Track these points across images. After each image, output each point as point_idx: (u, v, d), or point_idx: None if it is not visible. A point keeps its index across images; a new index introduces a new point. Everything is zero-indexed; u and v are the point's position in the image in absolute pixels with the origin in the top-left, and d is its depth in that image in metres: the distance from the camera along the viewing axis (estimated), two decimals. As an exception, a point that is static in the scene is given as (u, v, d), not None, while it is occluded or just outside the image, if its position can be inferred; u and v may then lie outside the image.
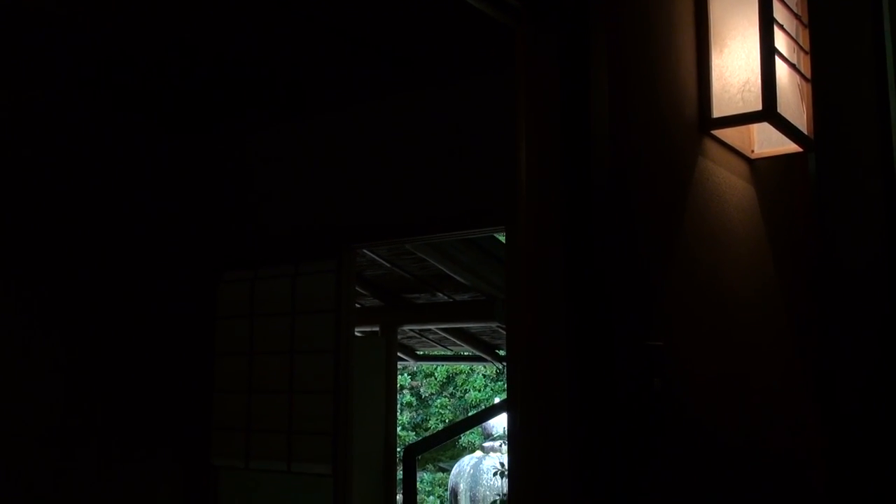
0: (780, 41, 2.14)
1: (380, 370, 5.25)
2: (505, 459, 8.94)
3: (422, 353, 7.93)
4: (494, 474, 9.04)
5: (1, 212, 3.28)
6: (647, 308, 1.81)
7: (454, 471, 9.87)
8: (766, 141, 2.35)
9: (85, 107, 3.59)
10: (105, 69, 3.46)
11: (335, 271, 3.53)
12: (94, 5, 2.90)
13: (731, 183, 2.23)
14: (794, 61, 2.26)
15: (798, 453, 2.54)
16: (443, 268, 4.89)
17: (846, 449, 2.55)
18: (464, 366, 13.91)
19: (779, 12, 2.12)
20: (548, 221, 1.68)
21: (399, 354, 6.53)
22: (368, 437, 5.03)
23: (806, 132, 2.28)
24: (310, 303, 3.59)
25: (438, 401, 14.58)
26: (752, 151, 2.36)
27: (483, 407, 12.85)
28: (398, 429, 6.52)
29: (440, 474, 13.82)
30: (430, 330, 6.75)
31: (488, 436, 10.33)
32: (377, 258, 4.98)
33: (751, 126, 2.30)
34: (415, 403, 14.76)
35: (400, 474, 5.28)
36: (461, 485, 9.41)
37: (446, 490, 11.08)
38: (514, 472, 2.72)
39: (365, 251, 4.67)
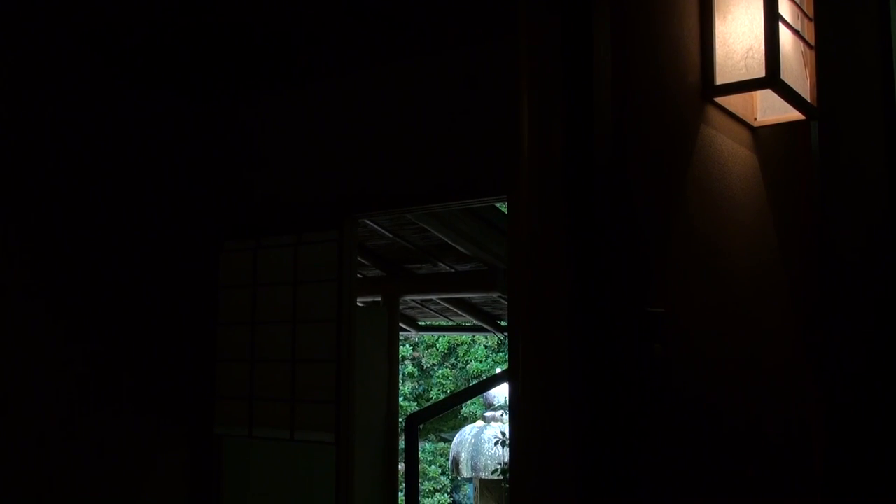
0: (784, 7, 2.12)
1: (382, 340, 5.28)
2: (506, 429, 9.01)
3: (423, 323, 7.95)
4: (495, 443, 9.11)
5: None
6: (648, 275, 1.81)
7: (455, 440, 9.95)
8: (769, 109, 2.34)
9: (80, 74, 3.57)
10: (99, 34, 3.44)
11: (337, 241, 3.53)
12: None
13: (733, 151, 2.23)
14: (798, 28, 2.25)
15: (795, 428, 2.55)
16: (445, 238, 4.89)
17: (844, 424, 2.56)
18: (465, 336, 13.97)
19: (783, -22, 2.10)
20: (550, 188, 1.68)
21: (401, 325, 6.56)
22: (371, 407, 5.07)
23: (809, 100, 2.27)
24: (312, 272, 3.60)
25: (440, 371, 14.66)
26: (755, 119, 2.35)
27: (484, 378, 12.93)
28: (400, 399, 6.55)
29: (442, 444, 13.94)
30: (431, 300, 6.77)
31: (489, 406, 10.40)
32: (379, 228, 4.98)
33: (754, 94, 2.29)
34: (416, 374, 14.85)
35: (402, 444, 5.32)
36: (462, 454, 9.49)
37: (448, 459, 11.17)
38: (515, 440, 2.74)
39: (367, 221, 4.67)
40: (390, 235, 5.12)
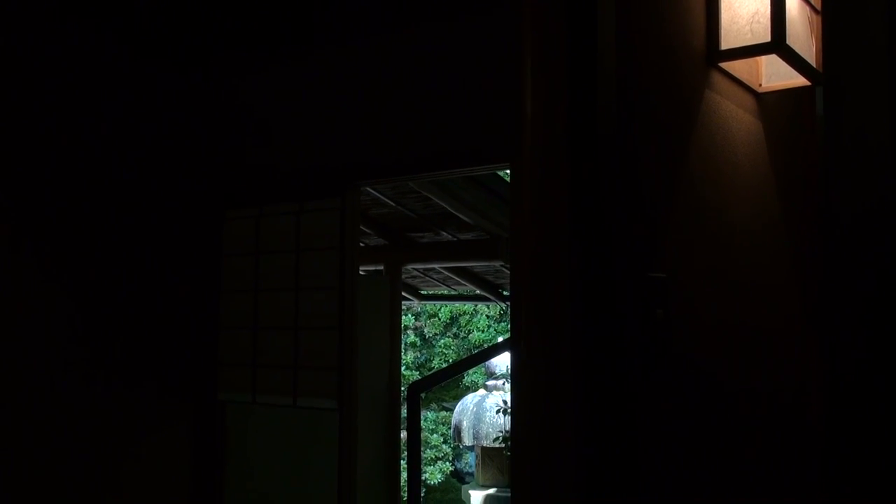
0: (791, -29, 2.10)
1: (384, 309, 5.29)
2: (507, 397, 9.06)
3: (426, 292, 7.97)
4: (497, 412, 9.16)
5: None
6: (651, 240, 1.81)
7: (457, 409, 10.01)
8: (774, 74, 2.32)
9: (80, 40, 3.55)
10: (96, 2, 3.41)
11: (339, 209, 3.53)
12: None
13: (737, 116, 2.21)
14: (805, -8, 2.22)
15: (798, 395, 2.56)
16: (447, 206, 4.89)
17: (845, 389, 2.57)
18: (467, 306, 14.00)
19: (790, -59, 2.08)
20: (553, 153, 1.67)
21: (403, 294, 6.57)
22: (373, 375, 5.10)
23: (815, 66, 2.26)
24: (314, 240, 3.60)
25: (442, 341, 14.70)
26: (760, 85, 2.34)
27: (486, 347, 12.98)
28: (402, 368, 6.59)
29: (444, 413, 14.02)
30: (434, 269, 6.78)
31: (491, 374, 10.44)
32: (381, 197, 4.98)
33: (759, 59, 2.28)
34: (418, 343, 14.90)
35: (404, 412, 5.36)
36: (464, 422, 9.54)
37: (450, 428, 11.24)
38: (517, 409, 2.75)
39: (369, 189, 4.66)
40: (392, 204, 5.11)
